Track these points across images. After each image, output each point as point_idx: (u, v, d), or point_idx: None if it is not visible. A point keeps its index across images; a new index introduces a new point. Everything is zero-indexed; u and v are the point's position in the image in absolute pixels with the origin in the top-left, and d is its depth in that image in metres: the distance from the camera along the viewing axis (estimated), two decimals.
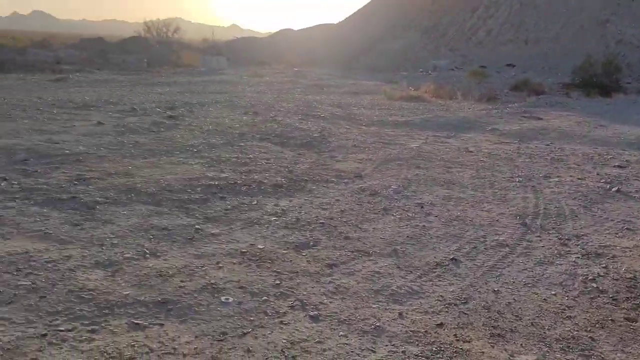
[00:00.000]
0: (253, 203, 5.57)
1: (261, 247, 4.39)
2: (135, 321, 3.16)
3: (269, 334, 3.12)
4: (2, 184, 5.72)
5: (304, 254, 4.32)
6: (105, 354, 2.81)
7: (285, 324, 3.24)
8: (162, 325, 3.15)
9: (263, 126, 10.01)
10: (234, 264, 4.05)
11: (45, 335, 2.97)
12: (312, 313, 3.38)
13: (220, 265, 4.00)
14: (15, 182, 5.80)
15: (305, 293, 3.65)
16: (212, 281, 3.71)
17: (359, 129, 10.53)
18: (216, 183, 6.13)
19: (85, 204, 5.23)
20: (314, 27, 49.77)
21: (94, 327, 3.08)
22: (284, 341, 3.04)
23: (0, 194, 5.40)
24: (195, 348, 2.92)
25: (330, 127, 10.29)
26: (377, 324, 3.28)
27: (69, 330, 3.03)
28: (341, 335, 3.15)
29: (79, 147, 7.56)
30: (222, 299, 3.49)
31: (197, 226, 4.81)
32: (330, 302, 3.54)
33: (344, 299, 3.60)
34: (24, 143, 7.65)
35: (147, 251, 4.18)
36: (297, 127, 10.09)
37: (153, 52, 33.02)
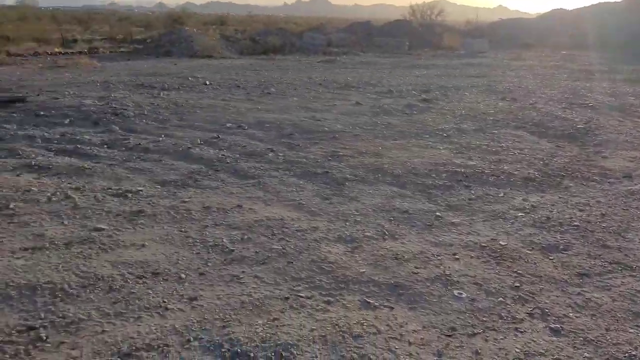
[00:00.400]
0: (499, 195, 5.27)
1: (503, 243, 4.12)
2: (368, 300, 3.24)
3: (502, 339, 2.91)
4: (270, 155, 6.41)
5: (551, 258, 3.92)
6: (336, 326, 2.94)
7: (521, 331, 2.99)
8: (392, 308, 3.17)
9: (520, 113, 9.40)
10: (472, 257, 3.87)
11: (287, 298, 3.23)
12: (553, 325, 3.05)
13: (456, 256, 3.87)
14: (281, 154, 6.45)
15: (547, 301, 3.31)
16: (447, 272, 3.61)
17: (635, 122, 9.17)
18: (462, 170, 5.95)
19: (336, 180, 5.56)
20: (591, 6, 44.85)
21: (329, 298, 3.25)
22: (517, 350, 2.80)
23: (267, 164, 6.07)
24: (421, 338, 2.88)
25: (598, 118, 9.18)
26: (633, 353, 2.81)
27: (308, 298, 3.25)
28: (585, 357, 2.77)
29: (337, 125, 8.07)
30: (455, 292, 3.37)
31: (437, 213, 4.73)
32: (577, 317, 3.15)
33: (594, 316, 3.16)
34: (292, 119, 8.47)
35: (386, 232, 4.26)
36: (558, 116, 9.23)
37: (415, 35, 33.52)
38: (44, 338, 2.75)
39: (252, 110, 9.18)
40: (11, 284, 3.26)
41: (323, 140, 7.24)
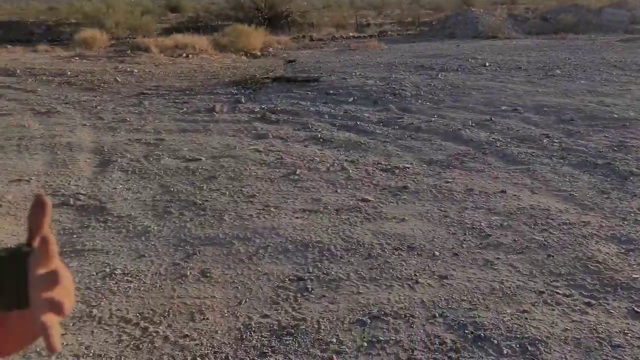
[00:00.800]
0: None
1: None
2: (637, 309, 2.88)
3: None
4: (544, 141, 6.03)
5: None
6: (594, 331, 2.70)
7: None
8: None
9: None
10: None
11: (542, 292, 3.06)
12: None
13: None
14: (557, 141, 6.02)
15: None
16: None
17: None
18: None
19: (619, 173, 4.97)
20: None
21: (590, 300, 2.98)
22: None
23: (539, 150, 5.73)
24: None
25: None
26: None
27: (566, 296, 3.03)
28: None
29: (629, 113, 7.14)
30: None
31: None
32: None
33: None
34: (575, 103, 7.78)
35: None
36: None
37: None
38: (310, 289, 3.15)
39: (531, 92, 8.68)
40: (289, 238, 3.78)
41: (609, 128, 6.49)
